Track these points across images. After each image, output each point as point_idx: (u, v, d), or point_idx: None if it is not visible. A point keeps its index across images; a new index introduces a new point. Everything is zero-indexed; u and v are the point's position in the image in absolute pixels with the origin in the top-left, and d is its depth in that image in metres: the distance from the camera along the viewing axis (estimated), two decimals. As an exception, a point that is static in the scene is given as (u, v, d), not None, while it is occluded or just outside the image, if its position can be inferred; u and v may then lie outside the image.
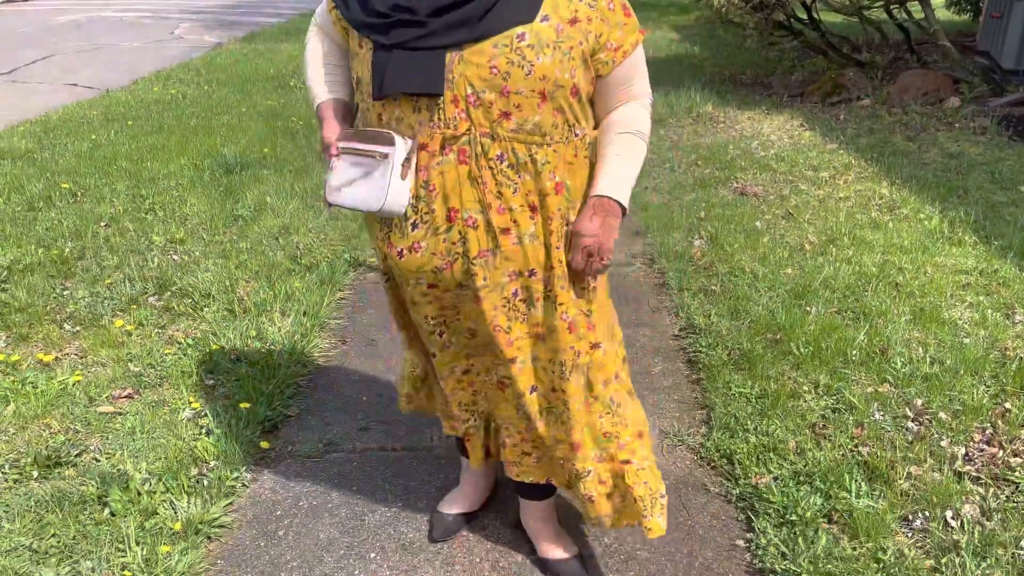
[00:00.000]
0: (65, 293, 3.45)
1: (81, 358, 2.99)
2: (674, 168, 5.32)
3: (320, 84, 1.80)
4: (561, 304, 1.69)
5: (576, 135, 1.63)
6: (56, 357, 2.98)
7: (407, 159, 1.57)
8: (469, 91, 1.52)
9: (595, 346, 1.77)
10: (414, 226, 1.64)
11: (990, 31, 7.46)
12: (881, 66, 7.62)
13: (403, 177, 1.58)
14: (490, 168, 1.57)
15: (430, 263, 1.66)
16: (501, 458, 1.99)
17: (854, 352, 2.93)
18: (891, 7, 7.66)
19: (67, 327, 3.19)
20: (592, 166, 1.69)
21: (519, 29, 1.51)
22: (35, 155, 5.38)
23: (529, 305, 1.70)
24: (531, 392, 1.78)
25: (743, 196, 4.72)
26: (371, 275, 3.79)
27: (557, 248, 1.65)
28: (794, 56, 8.54)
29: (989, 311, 3.22)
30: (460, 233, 1.61)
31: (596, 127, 1.71)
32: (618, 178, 1.65)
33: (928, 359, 2.89)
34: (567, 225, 1.66)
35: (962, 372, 2.79)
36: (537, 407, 1.80)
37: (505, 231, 1.61)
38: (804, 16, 7.92)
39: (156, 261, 3.77)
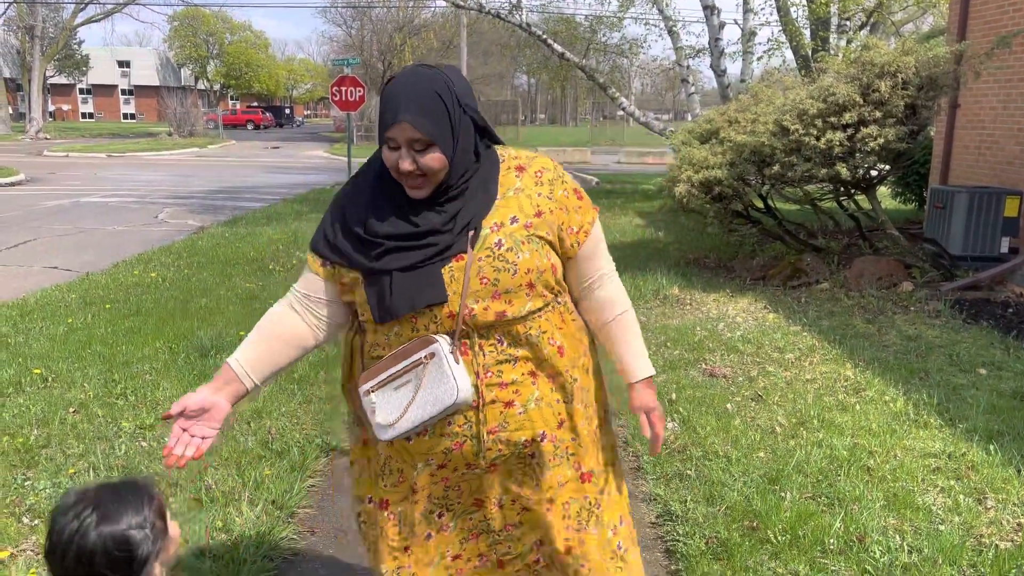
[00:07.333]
0: (27, 484, 3.36)
1: (38, 555, 2.86)
2: (644, 350, 5.44)
3: (247, 351, 1.78)
4: (573, 455, 1.79)
5: (559, 302, 1.76)
6: (12, 553, 2.85)
7: (452, 346, 1.62)
8: (461, 304, 1.61)
9: (604, 492, 1.91)
10: None
11: (935, 220, 7.95)
12: (836, 251, 8.04)
13: (457, 361, 1.62)
14: (491, 351, 1.66)
15: (440, 444, 1.70)
16: None
17: (831, 540, 2.90)
18: (840, 199, 8.18)
19: (25, 520, 3.08)
20: (579, 330, 1.82)
21: (495, 237, 1.63)
22: (9, 339, 5.39)
23: (542, 469, 1.76)
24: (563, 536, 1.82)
25: (712, 378, 4.81)
26: (341, 460, 3.74)
27: (568, 403, 1.76)
28: (754, 241, 8.98)
29: (961, 496, 3.24)
30: (465, 416, 1.67)
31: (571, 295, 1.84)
32: (640, 357, 1.90)
33: (906, 547, 2.87)
34: (574, 382, 1.77)
35: (941, 561, 2.77)
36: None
37: (509, 404, 1.68)
38: (761, 205, 8.43)
39: (123, 448, 3.71)
